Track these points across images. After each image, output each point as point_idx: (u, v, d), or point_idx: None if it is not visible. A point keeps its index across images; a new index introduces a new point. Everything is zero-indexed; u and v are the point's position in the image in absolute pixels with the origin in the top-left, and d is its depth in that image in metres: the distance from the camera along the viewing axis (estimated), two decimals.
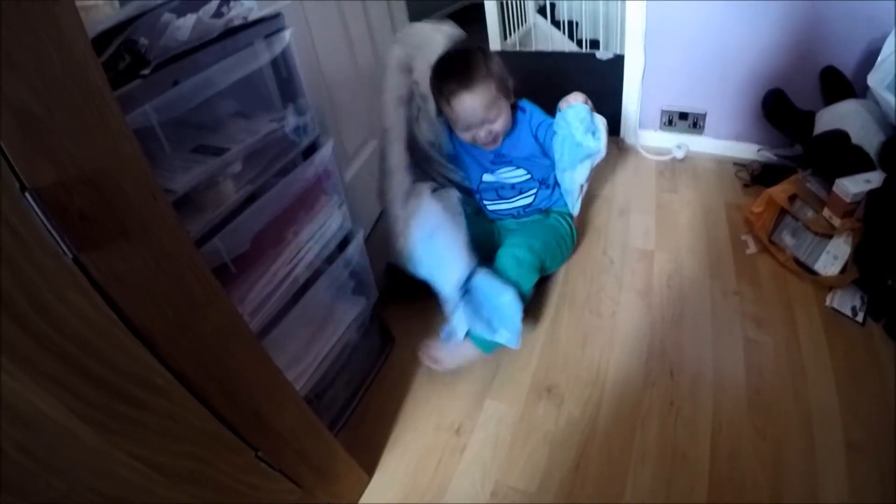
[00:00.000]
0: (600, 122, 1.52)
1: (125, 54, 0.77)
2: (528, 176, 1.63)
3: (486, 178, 1.66)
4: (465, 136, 1.54)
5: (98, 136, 0.52)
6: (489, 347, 1.37)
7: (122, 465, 0.61)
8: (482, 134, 1.50)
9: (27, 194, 0.46)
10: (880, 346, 1.37)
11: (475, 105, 1.44)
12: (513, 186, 1.65)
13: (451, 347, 1.38)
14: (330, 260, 1.18)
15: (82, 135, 0.50)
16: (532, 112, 1.60)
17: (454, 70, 1.45)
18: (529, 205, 1.68)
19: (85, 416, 0.55)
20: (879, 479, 1.11)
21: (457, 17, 5.08)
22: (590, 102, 1.50)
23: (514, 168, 1.62)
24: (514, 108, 1.59)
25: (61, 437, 0.55)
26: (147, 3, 0.76)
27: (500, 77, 1.49)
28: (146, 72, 0.74)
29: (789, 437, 1.20)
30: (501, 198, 1.68)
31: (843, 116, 1.67)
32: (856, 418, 1.22)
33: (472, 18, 4.79)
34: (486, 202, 1.71)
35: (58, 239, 0.49)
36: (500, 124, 1.51)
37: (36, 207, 0.46)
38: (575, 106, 1.47)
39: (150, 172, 0.58)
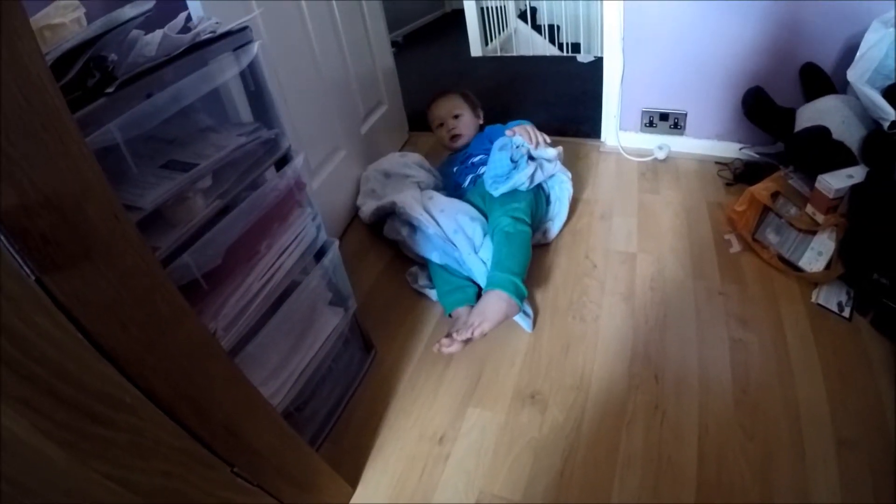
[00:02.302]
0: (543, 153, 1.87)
1: (94, 71, 0.77)
2: (483, 156, 1.99)
3: (458, 168, 2.07)
4: (439, 134, 2.15)
5: (58, 158, 0.52)
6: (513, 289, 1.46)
7: (95, 484, 0.61)
8: (447, 128, 2.09)
9: None
10: (868, 340, 1.38)
11: (445, 103, 2.12)
12: (473, 163, 2.01)
13: (480, 308, 1.45)
14: (306, 271, 1.18)
15: (42, 158, 0.50)
16: (491, 129, 2.05)
17: (436, 92, 2.19)
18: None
19: (55, 436, 0.55)
20: (872, 476, 1.11)
21: (437, 24, 5.16)
22: (535, 137, 1.86)
23: (475, 155, 2.03)
24: (482, 129, 2.13)
25: (32, 458, 0.55)
26: (114, 20, 0.75)
27: (472, 100, 2.17)
28: (111, 90, 0.73)
29: (778, 436, 1.20)
30: (468, 172, 2.01)
31: (823, 112, 1.69)
32: (846, 414, 1.22)
33: (452, 25, 4.83)
34: (459, 179, 2.03)
35: (20, 262, 0.48)
36: (462, 125, 2.09)
37: None
38: (507, 141, 1.82)
39: (112, 193, 0.58)
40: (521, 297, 1.47)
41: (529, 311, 1.57)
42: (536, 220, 1.80)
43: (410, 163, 2.12)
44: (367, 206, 2.00)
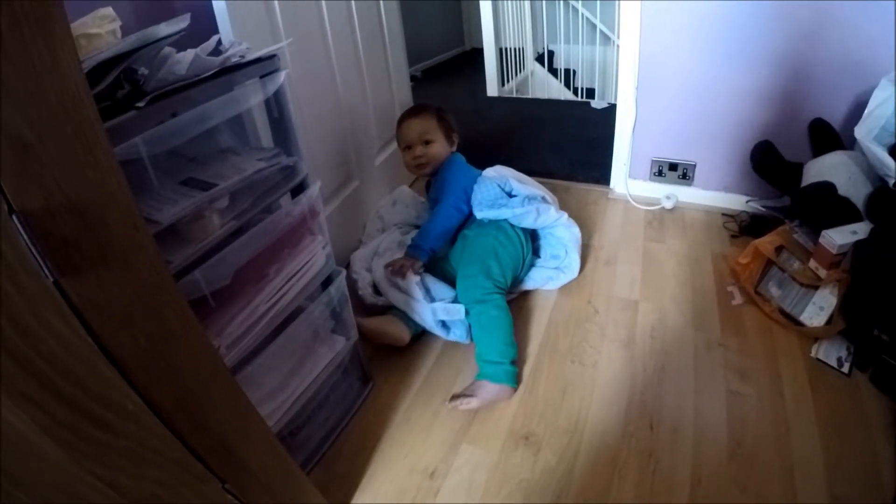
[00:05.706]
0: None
1: (125, 83, 0.79)
2: None
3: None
4: (405, 158, 1.92)
5: (86, 167, 0.53)
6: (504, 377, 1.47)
7: (86, 484, 0.61)
8: (413, 154, 1.87)
9: (14, 217, 0.47)
10: (866, 396, 1.37)
11: (417, 125, 1.86)
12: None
13: (476, 386, 1.47)
14: (311, 298, 1.18)
15: (71, 165, 0.52)
16: (452, 166, 1.89)
17: (410, 108, 1.97)
18: None
19: (53, 433, 0.55)
20: None
21: (456, 61, 5.25)
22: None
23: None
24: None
25: (28, 451, 0.55)
26: (149, 37, 0.78)
27: (447, 123, 1.91)
28: (141, 104, 0.76)
29: (771, 491, 1.19)
30: None
31: (830, 168, 1.70)
32: (840, 471, 1.21)
33: (471, 63, 4.92)
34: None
35: (41, 262, 0.50)
36: (430, 154, 1.87)
37: (22, 230, 0.47)
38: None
39: (134, 205, 0.59)
40: (512, 378, 1.49)
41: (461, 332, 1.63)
42: (515, 271, 1.74)
43: (399, 208, 2.15)
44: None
